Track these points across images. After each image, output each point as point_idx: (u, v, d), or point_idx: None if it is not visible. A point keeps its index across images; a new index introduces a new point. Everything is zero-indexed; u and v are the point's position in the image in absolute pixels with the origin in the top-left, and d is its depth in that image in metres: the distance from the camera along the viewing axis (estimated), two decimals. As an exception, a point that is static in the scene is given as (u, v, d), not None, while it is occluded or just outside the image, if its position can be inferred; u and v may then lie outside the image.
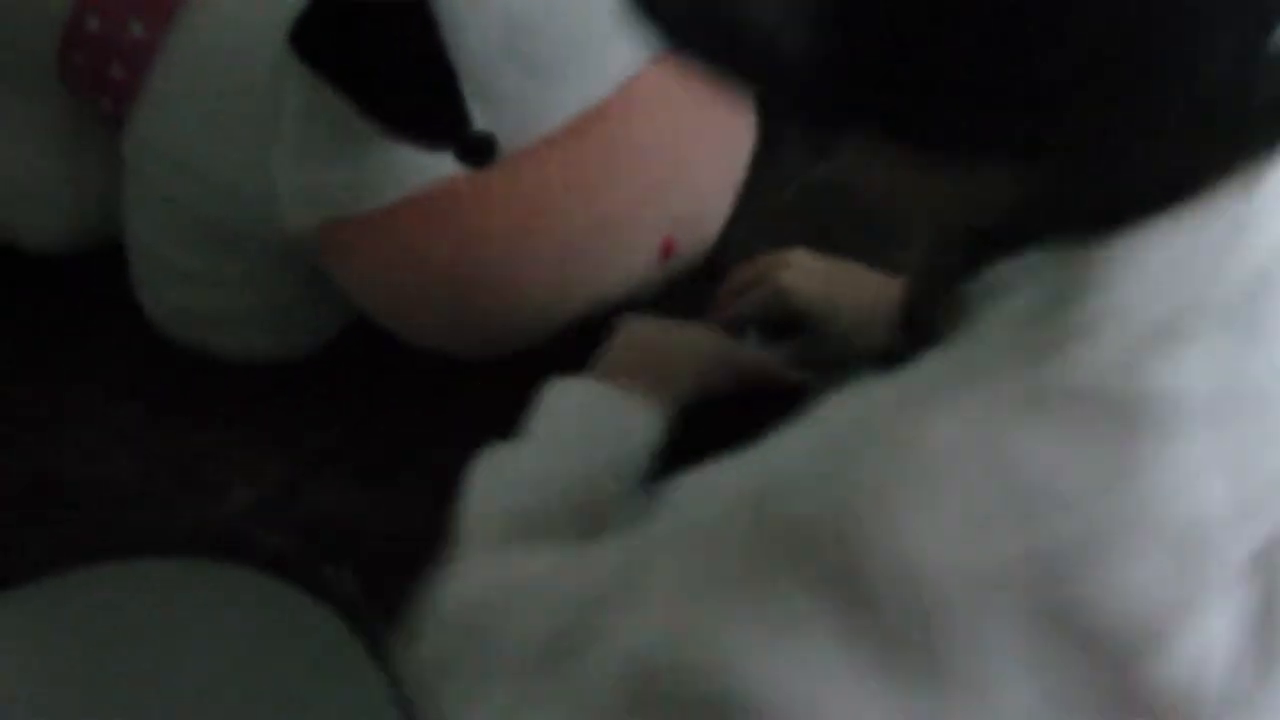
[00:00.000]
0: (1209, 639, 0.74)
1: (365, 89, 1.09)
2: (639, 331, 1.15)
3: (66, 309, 1.40)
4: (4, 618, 1.14)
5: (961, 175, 0.76)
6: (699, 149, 1.21)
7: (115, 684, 1.11)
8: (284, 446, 1.28)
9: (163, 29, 1.18)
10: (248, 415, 1.31)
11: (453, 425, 1.26)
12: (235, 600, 1.15)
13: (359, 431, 1.29)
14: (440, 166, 1.14)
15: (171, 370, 1.34)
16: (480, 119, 1.12)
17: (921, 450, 0.72)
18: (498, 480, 1.01)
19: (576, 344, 1.21)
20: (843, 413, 0.78)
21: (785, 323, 1.25)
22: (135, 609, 1.15)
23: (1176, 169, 0.73)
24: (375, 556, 1.18)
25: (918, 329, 0.90)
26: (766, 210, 1.42)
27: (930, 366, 0.76)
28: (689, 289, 1.28)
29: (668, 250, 1.21)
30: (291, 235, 1.19)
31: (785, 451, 0.79)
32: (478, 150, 1.14)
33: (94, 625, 1.14)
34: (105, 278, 1.36)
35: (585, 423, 1.05)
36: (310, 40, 1.08)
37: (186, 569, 1.18)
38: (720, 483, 0.81)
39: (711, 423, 1.09)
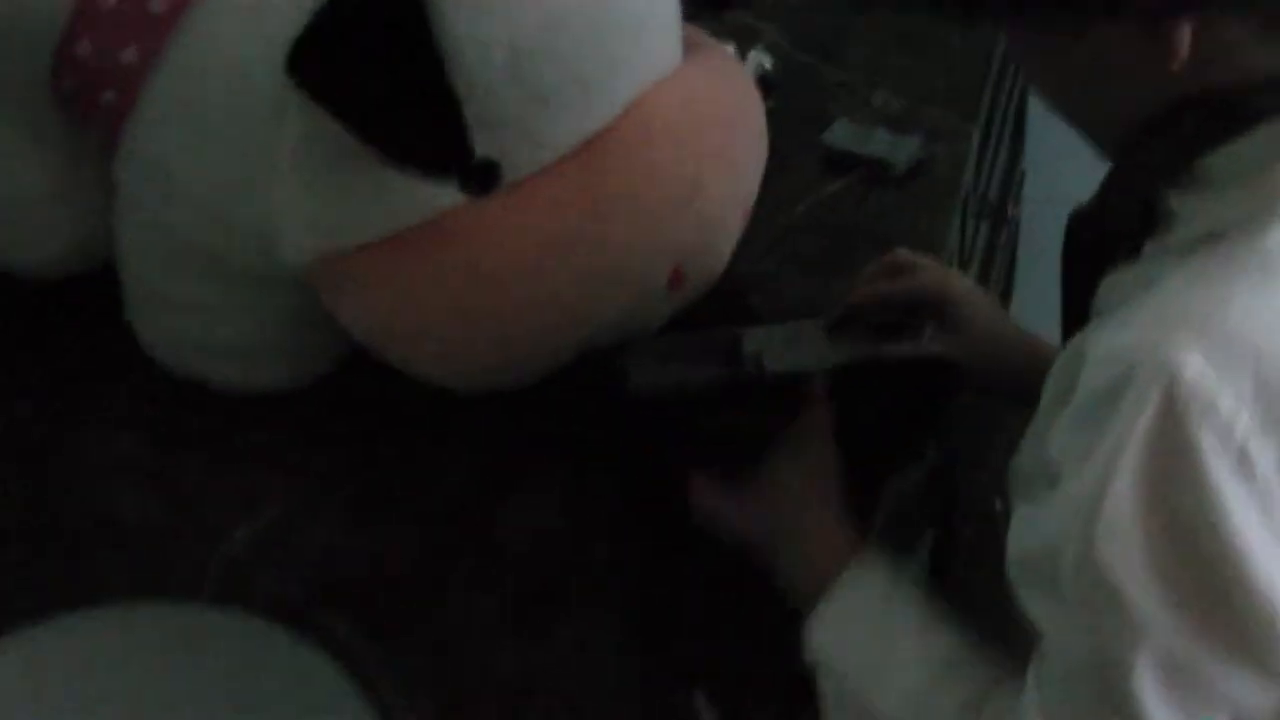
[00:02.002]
0: None
1: (365, 116, 1.05)
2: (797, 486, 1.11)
3: (62, 335, 1.37)
4: (1, 661, 1.11)
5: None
6: (709, 173, 1.17)
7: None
8: (283, 479, 1.25)
9: (155, 54, 1.15)
10: (247, 446, 1.28)
11: (456, 457, 1.24)
12: (232, 644, 1.13)
13: (360, 464, 1.26)
14: (442, 196, 1.11)
15: (169, 399, 1.31)
16: (483, 146, 1.09)
17: None
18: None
19: (580, 373, 1.19)
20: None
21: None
22: (133, 652, 1.12)
23: None
24: (373, 597, 1.15)
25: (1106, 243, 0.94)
26: (777, 228, 1.39)
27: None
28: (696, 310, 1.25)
29: (676, 280, 1.17)
30: (289, 266, 1.16)
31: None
32: (481, 178, 1.11)
33: (92, 669, 1.11)
34: (103, 303, 1.33)
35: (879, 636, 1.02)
36: (308, 66, 1.04)
37: (184, 612, 1.16)
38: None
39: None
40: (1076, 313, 0.96)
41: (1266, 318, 0.83)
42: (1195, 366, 0.80)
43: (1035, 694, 0.89)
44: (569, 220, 1.12)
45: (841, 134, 1.49)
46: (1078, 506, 0.83)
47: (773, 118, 1.28)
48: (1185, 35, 0.85)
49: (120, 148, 1.21)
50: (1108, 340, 0.86)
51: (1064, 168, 2.27)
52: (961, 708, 0.94)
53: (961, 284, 1.26)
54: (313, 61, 1.04)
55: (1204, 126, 0.89)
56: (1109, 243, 0.94)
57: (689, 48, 1.22)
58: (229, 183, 1.16)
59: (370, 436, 1.27)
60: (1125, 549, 0.82)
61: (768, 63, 1.53)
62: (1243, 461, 0.81)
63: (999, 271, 2.29)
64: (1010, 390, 1.18)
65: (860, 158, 1.47)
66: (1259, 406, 0.81)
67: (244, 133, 1.14)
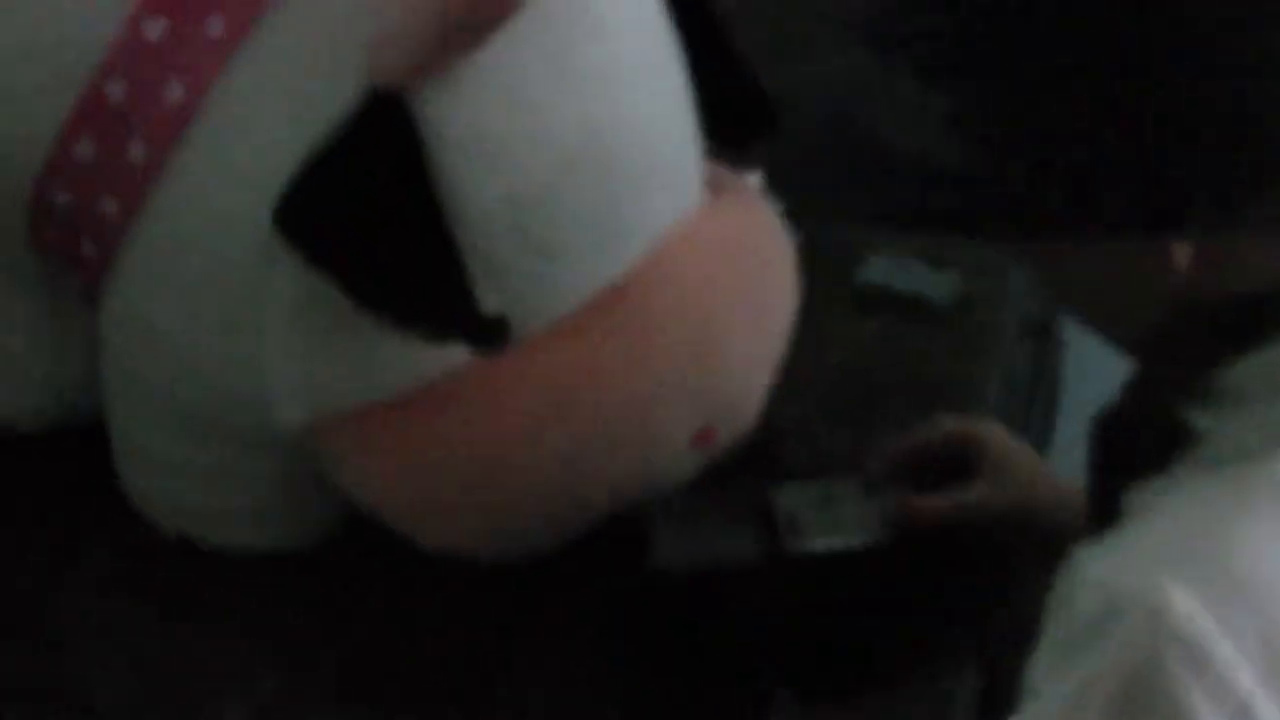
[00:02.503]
0: None
1: (360, 276, 0.98)
2: None
3: (48, 491, 1.28)
4: None
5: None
6: (733, 323, 1.10)
7: None
8: (281, 653, 1.16)
9: (135, 205, 1.07)
10: (243, 613, 1.19)
11: (471, 630, 1.16)
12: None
13: (364, 638, 1.17)
14: (447, 356, 1.03)
15: (160, 560, 1.22)
16: (489, 301, 1.01)
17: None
18: None
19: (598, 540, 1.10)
20: None
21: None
22: None
23: None
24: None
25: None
26: (807, 373, 1.31)
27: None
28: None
29: (705, 439, 1.09)
30: (283, 428, 1.08)
31: None
32: (489, 335, 1.03)
33: None
34: (92, 458, 1.24)
35: None
36: (297, 222, 0.97)
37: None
38: None
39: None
40: (1102, 519, 0.87)
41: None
42: (1187, 610, 0.73)
43: None
44: (583, 379, 1.04)
45: (878, 269, 1.41)
46: None
47: (803, 253, 1.20)
48: (1184, 249, 0.80)
49: (103, 301, 1.14)
50: (1101, 565, 0.78)
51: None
52: None
53: (1000, 436, 1.22)
54: (302, 215, 0.97)
55: (1222, 336, 0.83)
56: (1136, 457, 0.86)
57: (711, 186, 1.14)
58: (216, 342, 1.09)
59: (381, 607, 1.19)
60: None
61: (796, 193, 1.45)
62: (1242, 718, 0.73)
63: (1045, 389, 2.21)
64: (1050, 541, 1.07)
65: (897, 294, 1.38)
66: (1264, 658, 0.73)
67: (231, 290, 1.06)
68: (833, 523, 1.09)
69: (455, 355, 1.03)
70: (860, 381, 1.33)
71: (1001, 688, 1.38)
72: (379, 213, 0.97)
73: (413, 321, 1.00)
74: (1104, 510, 0.88)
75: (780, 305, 1.16)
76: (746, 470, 1.17)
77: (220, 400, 1.12)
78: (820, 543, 1.07)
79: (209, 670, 1.15)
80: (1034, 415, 2.02)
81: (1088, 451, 0.92)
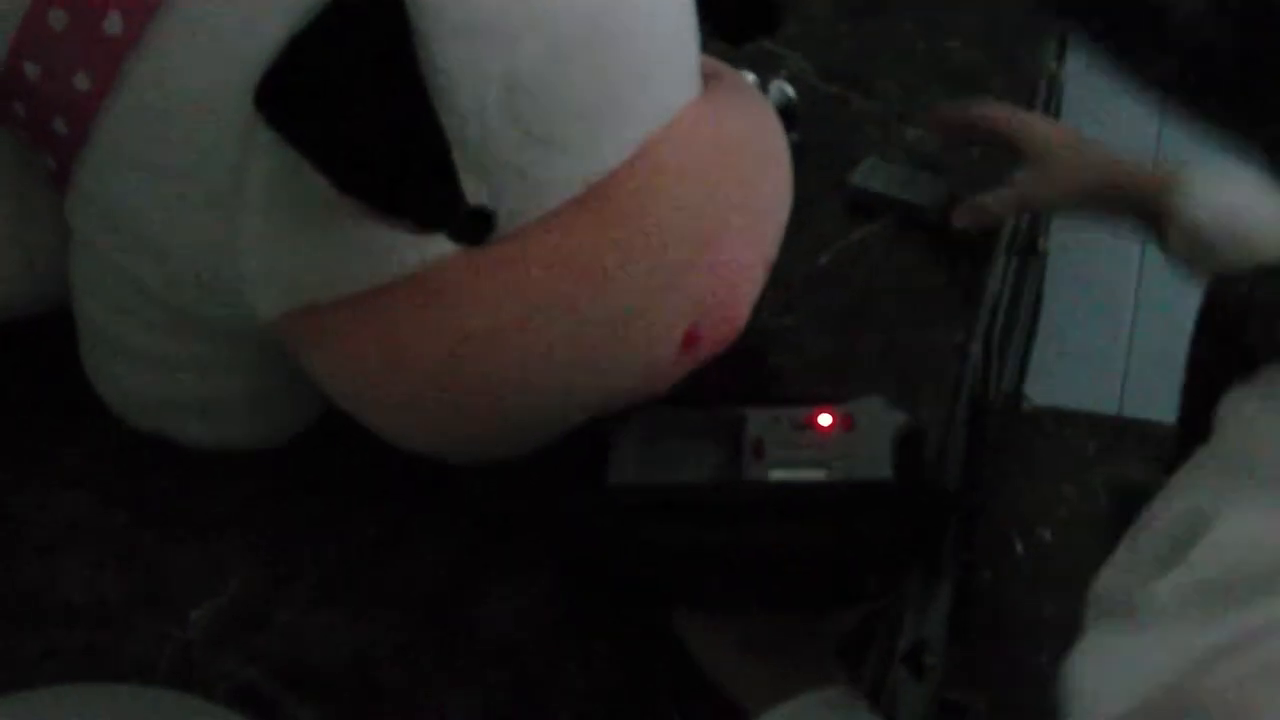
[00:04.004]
0: None
1: (343, 160, 0.93)
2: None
3: (16, 388, 1.25)
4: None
5: None
6: (727, 223, 1.06)
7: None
8: (249, 553, 1.13)
9: (110, 82, 1.02)
10: (210, 513, 1.16)
11: (439, 533, 1.13)
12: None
13: (333, 536, 1.14)
14: (429, 246, 0.99)
15: (127, 458, 1.19)
16: (476, 192, 0.97)
17: None
18: None
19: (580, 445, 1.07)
20: None
21: None
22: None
23: None
24: (344, 686, 1.05)
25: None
26: (798, 279, 1.28)
27: None
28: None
29: (691, 341, 1.06)
30: (257, 319, 1.04)
31: None
32: (472, 227, 0.99)
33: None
34: (56, 348, 1.21)
35: None
36: (279, 103, 0.93)
37: (135, 699, 1.04)
38: None
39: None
40: (1197, 411, 0.84)
41: None
42: None
43: None
44: (570, 275, 1.00)
45: (870, 174, 1.37)
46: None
47: (795, 155, 1.16)
48: None
49: (73, 183, 1.09)
50: (1247, 526, 0.73)
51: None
52: None
53: (1042, 126, 1.30)
54: (285, 96, 0.93)
55: None
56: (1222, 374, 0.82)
57: (706, 80, 1.10)
58: (189, 228, 1.04)
59: (345, 506, 1.15)
60: None
61: (791, 93, 1.41)
62: None
63: (1027, 304, 2.19)
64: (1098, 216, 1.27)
65: (890, 200, 1.35)
66: None
67: (207, 172, 1.02)
68: (796, 454, 1.04)
69: (438, 246, 0.99)
70: (851, 288, 1.29)
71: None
72: (364, 94, 0.93)
73: (394, 208, 0.96)
74: (1200, 398, 0.85)
75: (776, 204, 1.12)
76: (730, 378, 1.13)
77: (192, 288, 1.08)
78: (779, 473, 1.03)
79: (177, 569, 1.13)
80: (1015, 330, 2.01)
81: (1197, 319, 0.93)
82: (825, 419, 1.03)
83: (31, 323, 1.23)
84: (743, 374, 1.16)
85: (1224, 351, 0.87)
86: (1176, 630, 0.72)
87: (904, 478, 0.99)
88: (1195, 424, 0.84)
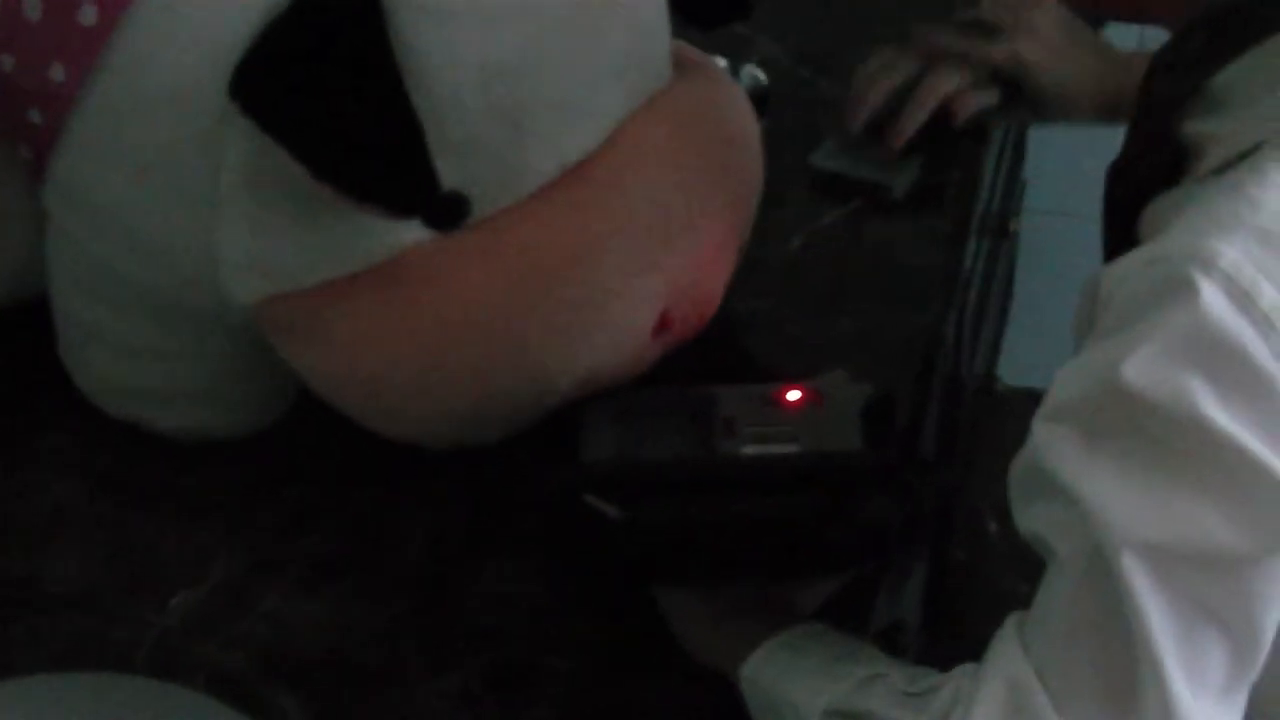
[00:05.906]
0: None
1: (318, 148, 0.95)
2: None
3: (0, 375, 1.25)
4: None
5: None
6: (699, 208, 1.07)
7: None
8: (230, 539, 1.14)
9: (85, 73, 1.03)
10: (191, 501, 1.17)
11: (419, 519, 1.14)
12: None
13: (314, 523, 1.15)
14: (404, 232, 1.00)
15: (108, 446, 1.20)
16: (450, 177, 0.98)
17: None
18: None
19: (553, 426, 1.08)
20: None
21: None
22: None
23: None
24: (326, 673, 1.06)
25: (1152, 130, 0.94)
26: (771, 262, 1.29)
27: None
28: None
29: (665, 325, 1.07)
30: (234, 306, 1.05)
31: None
32: (447, 212, 1.00)
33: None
34: (38, 338, 1.21)
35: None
36: (254, 91, 0.94)
37: (116, 686, 1.06)
38: None
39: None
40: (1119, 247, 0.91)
41: None
42: (1231, 258, 0.79)
43: (1022, 660, 0.84)
44: (545, 260, 1.02)
45: (829, 155, 1.38)
46: (1107, 357, 0.81)
47: (767, 139, 1.17)
48: None
49: (49, 173, 1.10)
50: (1137, 255, 0.83)
51: (1064, 177, 2.20)
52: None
53: (1032, 52, 1.31)
54: (260, 84, 0.94)
55: (1208, 47, 0.89)
56: (1145, 189, 0.92)
57: (678, 65, 1.11)
58: (166, 216, 1.05)
59: (326, 494, 1.16)
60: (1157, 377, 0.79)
61: (762, 78, 1.42)
62: None
63: (999, 286, 2.20)
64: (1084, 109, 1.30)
65: (851, 181, 1.35)
66: None
67: (183, 161, 1.03)
68: (767, 429, 1.05)
69: (414, 232, 1.00)
70: (825, 270, 1.30)
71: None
72: (339, 82, 0.94)
73: (369, 195, 0.97)
74: (1121, 240, 0.94)
75: (748, 188, 1.14)
76: (703, 361, 1.14)
77: (169, 277, 1.09)
78: (751, 449, 1.04)
79: (161, 555, 1.13)
80: (987, 312, 2.02)
81: (1103, 203, 0.99)
82: (794, 395, 1.04)
83: (14, 311, 1.23)
84: (717, 357, 1.17)
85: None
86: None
87: (874, 446, 1.00)
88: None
